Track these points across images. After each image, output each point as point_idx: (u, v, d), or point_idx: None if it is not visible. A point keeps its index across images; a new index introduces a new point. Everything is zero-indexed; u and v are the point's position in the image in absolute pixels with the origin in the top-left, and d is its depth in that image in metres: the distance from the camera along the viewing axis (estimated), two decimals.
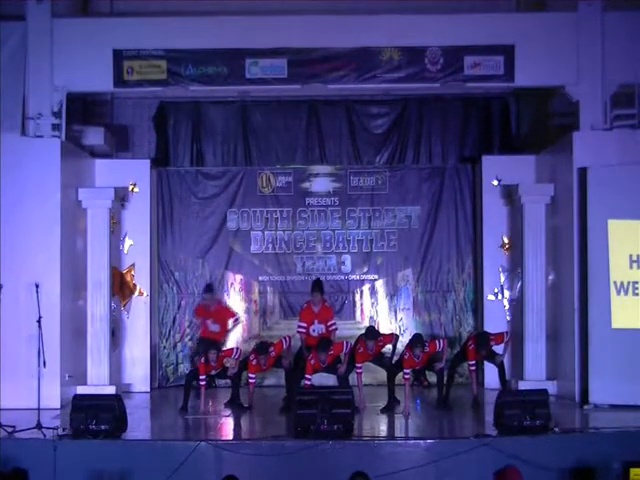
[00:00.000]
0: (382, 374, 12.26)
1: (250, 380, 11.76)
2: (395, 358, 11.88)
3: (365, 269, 14.39)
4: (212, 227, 14.37)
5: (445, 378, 11.62)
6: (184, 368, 13.97)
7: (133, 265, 13.72)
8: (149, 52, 12.39)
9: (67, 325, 12.08)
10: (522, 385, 12.24)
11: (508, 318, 13.54)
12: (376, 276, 14.36)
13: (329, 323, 11.92)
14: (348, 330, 14.02)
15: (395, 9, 12.40)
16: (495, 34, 12.35)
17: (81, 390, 11.76)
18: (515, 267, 13.40)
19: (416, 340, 11.44)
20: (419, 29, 12.33)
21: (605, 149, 11.83)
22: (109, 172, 13.55)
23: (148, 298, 13.75)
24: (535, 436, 9.14)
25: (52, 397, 11.36)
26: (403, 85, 12.91)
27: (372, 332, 11.69)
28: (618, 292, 11.41)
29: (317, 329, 11.83)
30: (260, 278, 14.34)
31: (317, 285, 12.11)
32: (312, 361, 11.36)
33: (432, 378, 12.47)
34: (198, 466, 8.92)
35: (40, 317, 10.36)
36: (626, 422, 9.90)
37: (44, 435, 9.40)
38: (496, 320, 13.48)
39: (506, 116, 14.83)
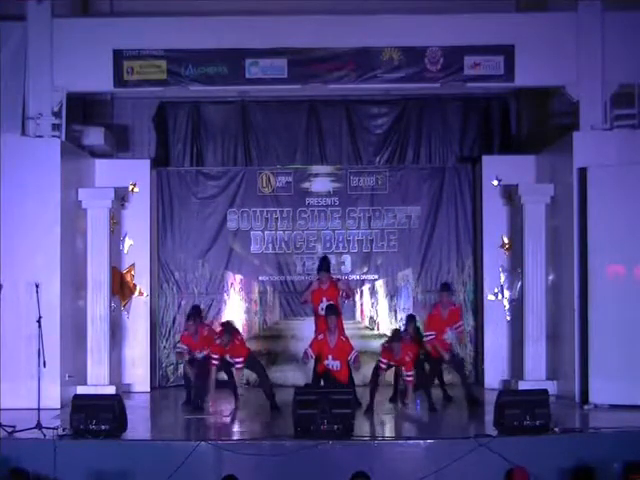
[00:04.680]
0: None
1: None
2: None
3: (365, 269, 14.39)
4: (212, 227, 14.38)
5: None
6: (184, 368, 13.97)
7: (133, 265, 13.72)
8: (149, 52, 12.39)
9: (67, 325, 12.08)
10: (522, 385, 12.23)
11: (508, 318, 13.53)
12: (376, 276, 14.36)
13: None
14: (348, 330, 14.01)
15: (395, 9, 12.40)
16: (495, 34, 12.35)
17: (81, 390, 11.76)
18: (515, 267, 13.39)
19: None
20: (419, 29, 12.33)
21: (605, 149, 11.82)
22: (109, 172, 13.55)
23: (148, 298, 13.74)
24: (535, 436, 9.14)
25: (52, 397, 11.35)
26: (403, 85, 12.91)
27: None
28: None
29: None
30: (260, 278, 14.34)
31: (324, 263, 12.24)
32: (320, 337, 11.38)
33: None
34: (198, 466, 8.90)
35: (40, 317, 10.33)
36: (626, 422, 9.89)
37: (44, 435, 9.38)
38: (496, 320, 13.52)
39: (506, 116, 14.84)
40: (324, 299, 11.91)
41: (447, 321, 11.93)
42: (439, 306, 12.08)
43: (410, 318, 12.62)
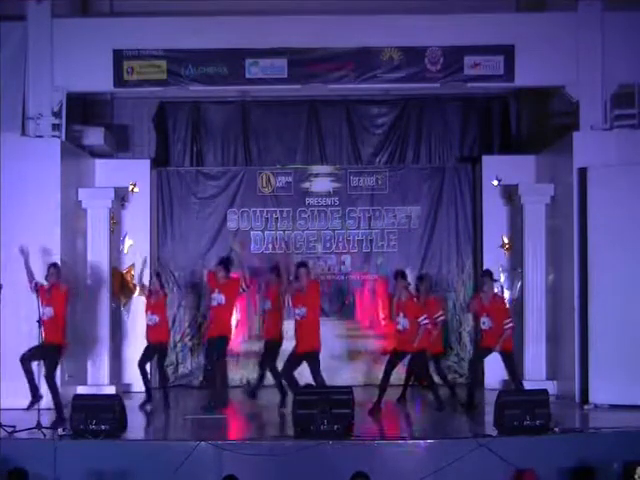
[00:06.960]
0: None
1: None
2: None
3: (365, 269, 14.38)
4: (212, 227, 14.38)
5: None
6: (184, 368, 13.98)
7: (133, 265, 13.71)
8: (149, 52, 12.40)
9: (67, 325, 12.04)
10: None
11: None
12: (376, 276, 14.35)
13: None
14: (349, 330, 14.05)
15: (395, 9, 12.41)
16: (495, 34, 12.36)
17: (81, 390, 11.79)
18: (515, 267, 13.40)
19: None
20: (419, 29, 12.34)
21: (605, 149, 11.83)
22: (109, 172, 13.56)
23: None
24: (535, 436, 9.14)
25: None
26: (403, 85, 12.92)
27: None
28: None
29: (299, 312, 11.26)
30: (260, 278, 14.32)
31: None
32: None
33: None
34: (198, 466, 8.90)
35: (40, 317, 10.34)
36: (626, 422, 9.91)
37: (44, 435, 9.39)
38: None
39: (506, 116, 14.84)
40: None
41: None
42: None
43: (421, 277, 12.65)
